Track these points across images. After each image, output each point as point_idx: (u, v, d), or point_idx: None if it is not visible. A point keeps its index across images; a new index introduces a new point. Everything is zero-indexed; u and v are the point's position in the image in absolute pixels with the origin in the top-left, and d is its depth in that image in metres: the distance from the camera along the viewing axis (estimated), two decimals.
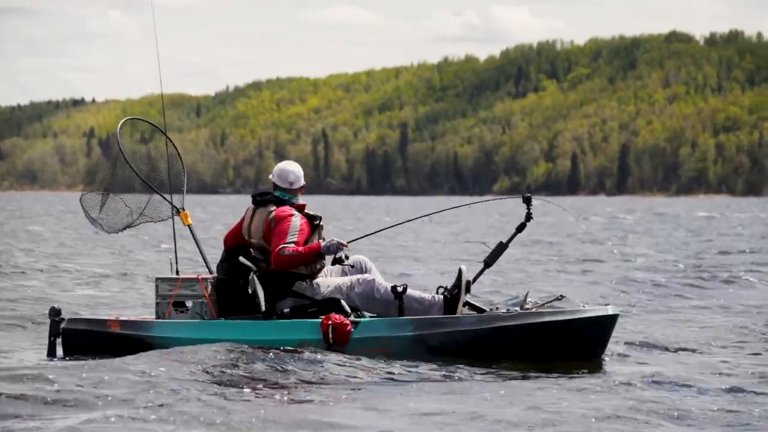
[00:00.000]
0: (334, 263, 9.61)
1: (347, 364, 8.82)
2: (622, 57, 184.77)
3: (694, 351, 10.31)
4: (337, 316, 9.15)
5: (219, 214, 59.89)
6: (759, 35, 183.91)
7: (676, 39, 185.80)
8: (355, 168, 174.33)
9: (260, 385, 8.21)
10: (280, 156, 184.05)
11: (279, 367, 8.68)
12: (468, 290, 9.29)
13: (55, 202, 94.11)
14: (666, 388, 8.18)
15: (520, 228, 9.51)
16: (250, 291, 9.42)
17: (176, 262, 9.92)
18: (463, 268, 9.33)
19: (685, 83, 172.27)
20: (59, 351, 9.67)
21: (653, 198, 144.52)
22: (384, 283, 9.43)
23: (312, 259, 9.39)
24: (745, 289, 16.65)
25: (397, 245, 27.78)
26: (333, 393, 7.96)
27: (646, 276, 18.16)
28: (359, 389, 8.11)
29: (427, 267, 20.11)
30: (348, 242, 9.54)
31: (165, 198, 10.23)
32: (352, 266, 9.60)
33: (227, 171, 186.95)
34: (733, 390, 8.11)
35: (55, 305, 9.89)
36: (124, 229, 10.15)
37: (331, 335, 9.10)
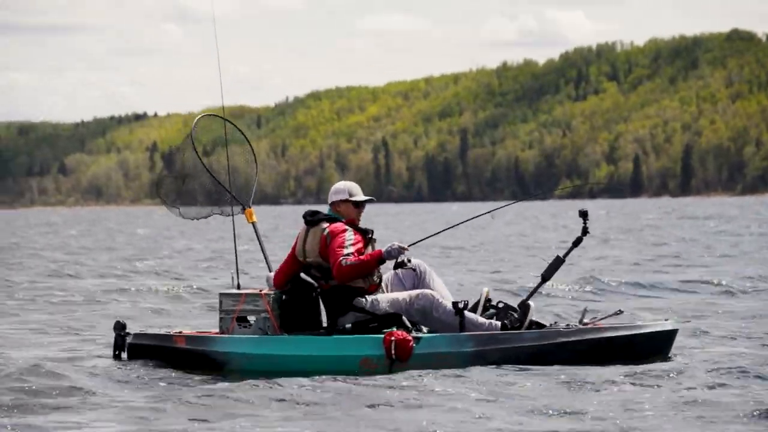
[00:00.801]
0: (396, 267, 9.63)
1: (412, 379, 8.84)
2: (683, 57, 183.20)
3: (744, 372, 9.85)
4: (399, 332, 9.21)
5: (282, 224, 60.05)
6: None
7: (737, 37, 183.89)
8: (416, 175, 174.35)
9: (323, 402, 8.20)
10: (341, 166, 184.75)
11: (343, 384, 8.73)
12: (526, 315, 9.38)
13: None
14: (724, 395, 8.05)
15: (577, 242, 9.61)
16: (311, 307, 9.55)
17: (237, 276, 10.00)
18: (531, 304, 9.42)
19: (748, 81, 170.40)
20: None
21: (718, 198, 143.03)
22: (443, 301, 9.46)
23: (375, 267, 9.49)
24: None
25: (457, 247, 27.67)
26: (395, 411, 7.92)
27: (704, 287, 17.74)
28: (422, 406, 8.05)
29: (477, 274, 20.00)
30: (408, 245, 9.59)
31: (229, 192, 10.38)
32: (414, 269, 9.63)
33: (288, 182, 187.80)
34: None
35: (120, 319, 10.03)
36: (197, 219, 10.28)
37: (393, 351, 9.16)
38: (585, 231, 9.49)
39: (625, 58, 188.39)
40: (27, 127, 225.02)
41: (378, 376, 8.98)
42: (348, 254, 9.39)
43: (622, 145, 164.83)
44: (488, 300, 9.57)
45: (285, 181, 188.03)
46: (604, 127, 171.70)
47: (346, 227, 9.58)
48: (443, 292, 9.58)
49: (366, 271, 9.46)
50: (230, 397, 8.14)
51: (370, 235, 9.68)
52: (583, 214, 9.53)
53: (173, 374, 9.33)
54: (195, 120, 10.64)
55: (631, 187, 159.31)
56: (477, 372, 8.99)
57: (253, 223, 10.29)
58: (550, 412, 7.56)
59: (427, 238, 10.35)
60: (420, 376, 8.93)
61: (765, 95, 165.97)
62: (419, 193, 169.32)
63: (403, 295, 9.48)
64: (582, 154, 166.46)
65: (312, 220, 9.71)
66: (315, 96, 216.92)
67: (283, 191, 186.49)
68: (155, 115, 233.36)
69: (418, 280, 9.60)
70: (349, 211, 9.73)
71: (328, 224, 9.63)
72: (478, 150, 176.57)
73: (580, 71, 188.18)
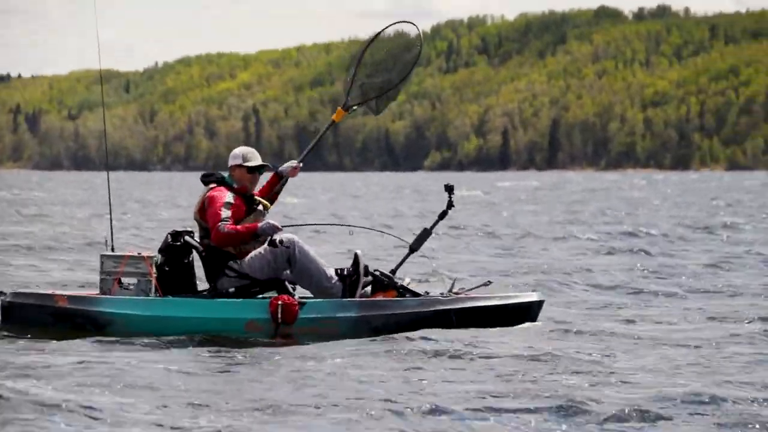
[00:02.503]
0: (269, 245, 9.75)
1: (295, 343, 9.12)
2: (552, 31, 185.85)
3: (613, 333, 10.38)
4: (285, 297, 9.48)
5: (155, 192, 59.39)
6: (686, 10, 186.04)
7: (604, 14, 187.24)
8: (286, 144, 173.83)
9: (211, 364, 8.30)
10: (211, 132, 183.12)
11: (228, 346, 8.94)
12: (366, 274, 9.72)
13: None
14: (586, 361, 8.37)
15: (443, 215, 10.03)
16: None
17: (111, 239, 10.02)
18: (359, 252, 9.79)
19: (614, 57, 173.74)
20: None
21: (582, 173, 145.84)
22: (303, 244, 9.71)
23: (248, 239, 9.68)
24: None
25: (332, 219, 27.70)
26: (279, 370, 8.07)
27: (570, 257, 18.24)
28: (305, 368, 8.23)
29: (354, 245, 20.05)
30: (283, 226, 9.79)
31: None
32: (288, 246, 9.77)
33: (157, 147, 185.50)
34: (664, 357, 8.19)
35: None
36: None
37: (280, 314, 9.40)
38: (450, 204, 9.90)
39: (496, 32, 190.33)
40: None
41: (263, 340, 9.25)
42: (225, 218, 9.60)
43: (491, 118, 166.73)
44: (365, 266, 9.81)
45: (153, 147, 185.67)
46: (474, 99, 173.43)
47: (227, 193, 9.73)
48: (319, 265, 9.71)
49: (240, 242, 9.65)
50: (115, 362, 8.13)
51: (256, 205, 9.85)
52: (449, 189, 9.93)
53: (54, 336, 9.22)
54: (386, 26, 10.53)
55: (499, 159, 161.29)
56: (358, 337, 9.35)
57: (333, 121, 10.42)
58: (425, 380, 7.67)
59: (304, 225, 10.91)
60: (303, 341, 9.21)
61: (630, 72, 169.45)
62: None
63: (265, 246, 9.67)
64: (451, 127, 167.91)
65: (203, 181, 9.93)
66: (185, 62, 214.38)
67: (151, 157, 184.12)
68: (19, 76, 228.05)
69: (292, 256, 9.71)
70: (242, 177, 9.86)
71: (211, 188, 9.81)
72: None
73: (450, 44, 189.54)
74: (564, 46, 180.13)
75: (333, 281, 9.67)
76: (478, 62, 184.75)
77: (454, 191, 9.97)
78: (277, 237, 9.68)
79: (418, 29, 9.92)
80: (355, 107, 10.21)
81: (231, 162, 9.91)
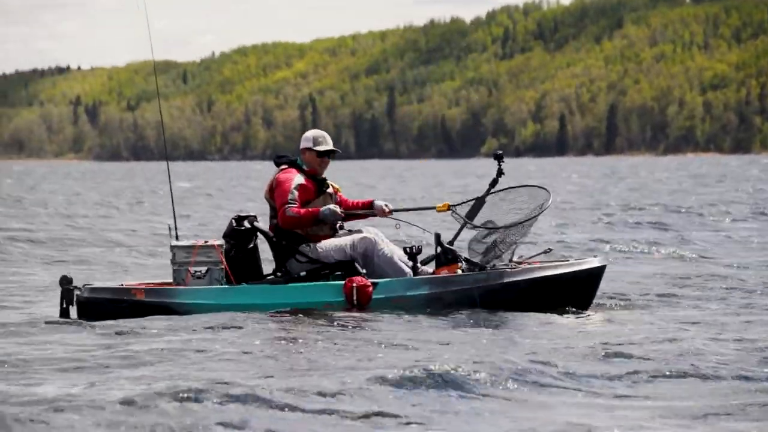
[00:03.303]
0: (331, 230, 9.89)
1: (372, 320, 9.33)
2: (609, 16, 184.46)
3: (673, 298, 10.90)
4: (359, 278, 9.61)
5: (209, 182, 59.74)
6: None
7: None
8: (342, 132, 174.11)
9: (291, 346, 8.35)
10: (268, 122, 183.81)
11: (308, 328, 9.05)
12: (443, 251, 9.84)
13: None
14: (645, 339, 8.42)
15: (493, 183, 10.05)
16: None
17: (176, 228, 10.06)
18: (439, 233, 9.88)
19: (672, 41, 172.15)
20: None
21: (641, 157, 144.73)
22: (383, 246, 9.83)
23: (310, 223, 9.79)
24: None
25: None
26: (360, 349, 8.18)
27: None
28: (381, 344, 8.37)
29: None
30: (343, 212, 9.92)
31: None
32: (350, 231, 9.95)
33: (215, 137, 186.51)
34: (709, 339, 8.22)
35: (66, 274, 9.86)
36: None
37: (354, 296, 9.54)
38: (500, 172, 9.93)
39: (552, 17, 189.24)
40: None
41: (342, 320, 9.31)
42: (292, 200, 9.72)
43: (548, 103, 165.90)
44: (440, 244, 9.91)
45: (211, 137, 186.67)
46: (530, 85, 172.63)
47: (296, 175, 9.85)
48: (395, 264, 9.81)
49: (302, 225, 9.77)
50: (201, 351, 8.11)
51: (325, 188, 9.97)
52: (498, 157, 10.02)
53: (134, 329, 9.07)
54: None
55: (557, 145, 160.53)
56: (431, 314, 9.54)
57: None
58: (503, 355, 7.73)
59: (362, 215, 10.66)
60: (380, 319, 9.35)
61: (688, 55, 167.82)
62: (346, 150, 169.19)
63: (344, 240, 9.83)
64: (508, 113, 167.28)
65: (276, 162, 10.07)
66: (241, 51, 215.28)
67: (209, 147, 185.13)
68: (78, 68, 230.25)
69: (369, 258, 9.84)
70: (311, 160, 9.99)
71: (281, 170, 9.93)
72: (405, 107, 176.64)
73: (506, 30, 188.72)
74: (621, 30, 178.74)
75: (407, 274, 9.78)
76: (534, 48, 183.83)
77: (503, 159, 10.03)
78: (338, 223, 9.79)
79: (549, 195, 9.85)
80: (459, 215, 9.89)
81: (302, 145, 10.04)
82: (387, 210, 10.06)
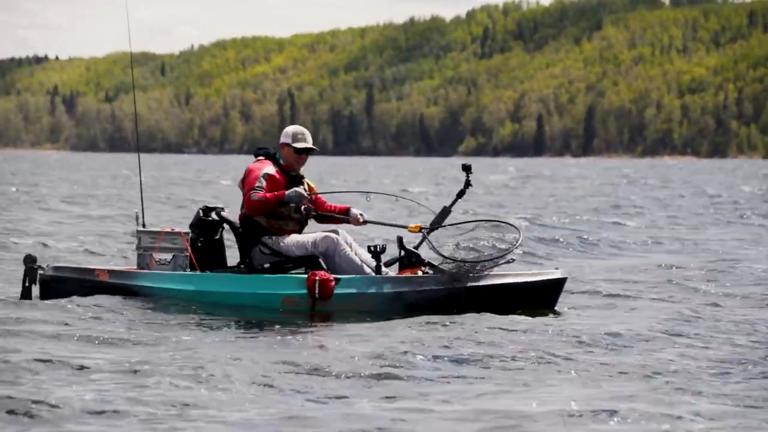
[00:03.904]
0: (295, 211, 9.92)
1: (333, 317, 9.47)
2: (588, 18, 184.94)
3: (629, 296, 11.16)
4: (322, 273, 9.63)
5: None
6: None
7: (641, 0, 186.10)
8: (321, 128, 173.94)
9: (251, 336, 8.45)
10: (246, 116, 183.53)
11: (268, 319, 9.20)
12: (406, 253, 9.95)
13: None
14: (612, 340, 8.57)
15: (461, 194, 10.23)
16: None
17: (143, 215, 10.15)
18: (402, 237, 10.03)
19: (651, 44, 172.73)
20: (34, 297, 9.78)
21: (619, 159, 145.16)
22: (345, 246, 9.89)
23: (275, 206, 9.80)
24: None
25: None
26: (318, 343, 8.22)
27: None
28: (341, 339, 8.44)
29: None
30: (309, 195, 9.99)
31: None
32: (315, 214, 10.07)
33: (192, 130, 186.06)
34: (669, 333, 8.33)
35: (31, 253, 9.94)
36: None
37: (317, 290, 9.57)
38: (468, 183, 10.17)
39: (531, 17, 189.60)
40: None
41: (299, 314, 9.52)
42: (258, 187, 9.76)
43: (526, 103, 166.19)
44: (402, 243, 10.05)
45: (189, 130, 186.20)
46: (509, 85, 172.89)
47: (267, 165, 9.92)
48: (356, 265, 9.89)
49: (268, 208, 9.79)
50: (161, 335, 8.22)
51: (299, 185, 9.99)
52: (467, 168, 10.21)
53: (99, 310, 9.23)
54: None
55: (534, 146, 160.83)
56: (391, 313, 9.64)
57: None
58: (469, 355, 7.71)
59: (329, 192, 10.75)
60: (338, 316, 9.53)
61: (667, 58, 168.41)
62: (324, 147, 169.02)
63: (307, 237, 9.91)
64: (486, 112, 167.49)
65: (255, 153, 10.15)
66: (221, 45, 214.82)
67: (186, 140, 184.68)
68: (57, 58, 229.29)
69: (330, 258, 9.91)
70: (289, 156, 10.05)
71: (255, 161, 10.03)
72: (384, 104, 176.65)
73: (486, 29, 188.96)
74: (600, 31, 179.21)
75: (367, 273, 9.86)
76: (513, 47, 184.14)
77: (471, 171, 10.20)
78: (303, 205, 9.84)
79: (520, 234, 9.91)
80: (430, 241, 9.93)
81: (281, 140, 10.09)
82: (361, 220, 10.15)
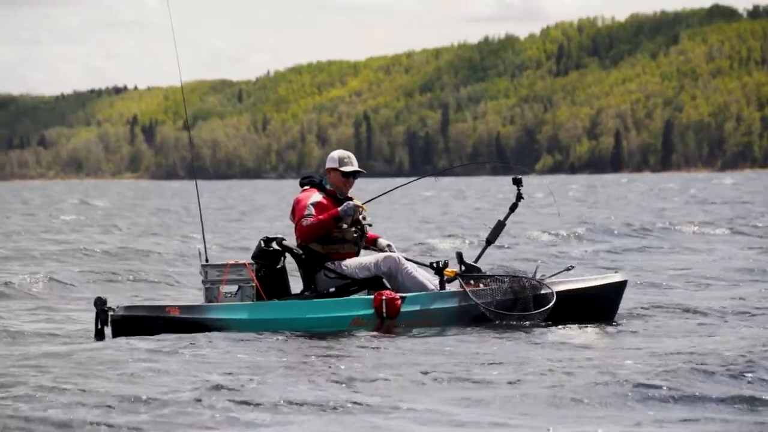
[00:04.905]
0: (352, 225, 10.01)
1: (401, 335, 9.60)
2: (664, 32, 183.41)
3: (698, 312, 11.02)
4: (388, 292, 9.77)
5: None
6: None
7: (718, 12, 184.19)
8: (397, 150, 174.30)
9: (325, 361, 8.50)
10: (323, 140, 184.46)
11: (338, 342, 9.31)
12: (466, 268, 10.09)
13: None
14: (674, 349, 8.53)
15: (513, 207, 10.40)
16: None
17: (205, 251, 10.24)
18: (462, 252, 10.20)
19: (729, 57, 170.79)
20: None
21: (698, 173, 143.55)
22: (407, 264, 10.00)
23: (331, 224, 9.88)
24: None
25: (418, 221, 27.74)
26: (391, 361, 8.25)
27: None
28: (412, 355, 8.53)
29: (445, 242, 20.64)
30: (363, 203, 10.10)
31: None
32: (371, 224, 10.18)
33: (270, 156, 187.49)
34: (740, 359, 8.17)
35: (101, 296, 10.06)
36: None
37: (384, 309, 9.70)
38: (519, 197, 10.30)
39: (607, 33, 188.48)
40: (7, 100, 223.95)
41: (371, 335, 9.60)
42: (308, 215, 9.86)
43: (603, 120, 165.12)
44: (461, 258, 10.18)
45: (266, 156, 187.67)
46: (585, 102, 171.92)
47: (314, 193, 10.01)
48: (419, 281, 9.97)
49: (323, 230, 9.88)
50: (238, 366, 8.24)
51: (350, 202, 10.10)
52: (517, 181, 10.38)
53: (170, 346, 9.18)
54: None
55: (612, 162, 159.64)
56: (459, 327, 9.81)
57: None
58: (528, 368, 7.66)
59: (381, 195, 10.91)
60: (408, 332, 9.67)
61: (745, 71, 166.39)
62: (400, 168, 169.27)
63: (369, 259, 10.01)
64: (563, 129, 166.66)
65: (300, 183, 10.26)
66: (296, 70, 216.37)
67: (264, 165, 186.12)
68: (135, 88, 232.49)
69: (393, 277, 10.00)
70: (336, 180, 10.12)
71: (301, 191, 10.12)
72: (459, 125, 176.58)
73: (561, 46, 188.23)
74: (677, 46, 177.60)
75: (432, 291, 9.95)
76: (588, 64, 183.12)
77: (522, 184, 10.33)
78: (360, 215, 9.95)
79: (553, 297, 9.93)
80: (461, 276, 9.96)
81: (328, 165, 10.17)
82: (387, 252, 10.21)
